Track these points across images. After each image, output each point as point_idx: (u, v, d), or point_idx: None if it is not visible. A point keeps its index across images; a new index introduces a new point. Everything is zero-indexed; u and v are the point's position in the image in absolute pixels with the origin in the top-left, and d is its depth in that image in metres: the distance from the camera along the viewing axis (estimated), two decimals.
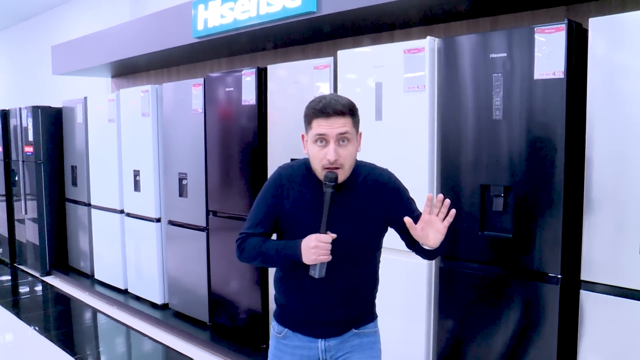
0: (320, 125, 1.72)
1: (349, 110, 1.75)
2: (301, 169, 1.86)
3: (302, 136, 1.85)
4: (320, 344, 1.89)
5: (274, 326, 1.99)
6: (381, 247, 1.95)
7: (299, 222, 1.81)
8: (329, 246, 1.71)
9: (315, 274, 1.73)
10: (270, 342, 2.02)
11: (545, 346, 2.41)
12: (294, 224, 1.82)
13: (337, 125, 1.72)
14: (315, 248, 1.70)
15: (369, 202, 1.82)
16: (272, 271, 3.51)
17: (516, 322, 2.50)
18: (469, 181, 2.63)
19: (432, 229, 1.70)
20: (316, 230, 1.73)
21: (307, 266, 1.75)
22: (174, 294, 4.60)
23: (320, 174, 1.77)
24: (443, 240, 1.75)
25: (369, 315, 1.97)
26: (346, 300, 1.87)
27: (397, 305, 2.91)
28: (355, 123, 1.79)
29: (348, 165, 1.77)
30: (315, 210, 1.77)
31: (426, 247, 1.76)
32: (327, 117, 1.71)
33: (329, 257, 1.72)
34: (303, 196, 1.82)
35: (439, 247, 1.78)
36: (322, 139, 1.73)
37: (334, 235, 1.73)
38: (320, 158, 1.74)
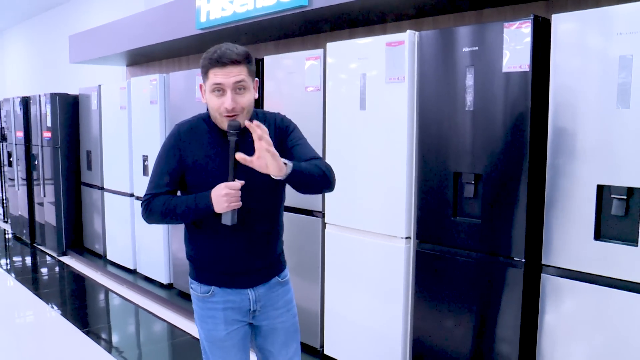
0: (217, 75, 1.75)
1: (245, 59, 1.79)
2: (199, 122, 1.90)
3: (200, 86, 1.88)
4: (250, 294, 1.94)
5: (195, 288, 1.97)
6: (285, 188, 1.99)
7: (206, 174, 1.84)
8: (239, 193, 1.76)
9: (228, 221, 1.79)
10: (194, 305, 2.00)
11: (509, 325, 2.54)
12: (200, 176, 1.85)
13: (232, 74, 1.75)
14: (227, 196, 1.73)
15: None
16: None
17: (485, 303, 2.63)
18: (444, 168, 2.76)
19: (267, 156, 1.65)
20: (223, 179, 1.78)
21: (219, 218, 1.80)
22: (178, 275, 4.82)
23: (220, 121, 1.82)
24: (299, 167, 1.74)
25: (283, 262, 2.07)
26: (263, 245, 1.95)
27: (376, 286, 3.06)
28: (251, 71, 1.83)
29: (247, 111, 1.82)
30: (219, 160, 1.83)
31: (276, 178, 1.72)
32: (223, 66, 1.75)
33: (239, 204, 1.77)
34: (205, 148, 1.85)
35: (300, 177, 1.75)
36: (220, 88, 1.76)
37: (242, 182, 1.77)
38: (217, 106, 1.78)
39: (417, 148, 2.89)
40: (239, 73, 1.77)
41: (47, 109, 6.36)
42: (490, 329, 2.62)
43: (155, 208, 1.86)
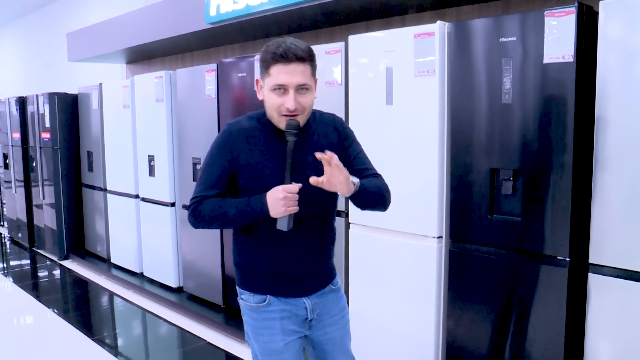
0: (280, 74, 1.66)
1: (309, 57, 1.70)
2: (252, 122, 1.79)
3: (257, 81, 1.79)
4: (306, 302, 1.85)
5: (247, 298, 1.86)
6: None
7: (260, 176, 1.74)
8: (297, 196, 1.66)
9: (284, 226, 1.69)
10: (246, 316, 1.88)
11: (553, 329, 2.43)
12: (254, 178, 1.74)
13: (296, 73, 1.66)
14: (284, 199, 1.64)
15: (324, 147, 1.74)
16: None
17: (525, 305, 2.52)
18: (479, 165, 2.64)
19: (336, 179, 1.61)
20: (278, 182, 1.69)
21: (272, 223, 1.70)
22: (188, 277, 4.68)
23: (277, 120, 1.72)
24: (364, 190, 1.72)
25: (334, 269, 1.97)
26: (317, 251, 1.86)
27: (405, 288, 2.95)
28: (314, 70, 1.74)
29: (307, 111, 1.74)
30: (275, 161, 1.73)
31: (344, 196, 1.70)
32: (288, 63, 1.65)
33: (296, 208, 1.67)
34: (260, 148, 1.75)
35: (364, 196, 1.74)
36: (281, 87, 1.67)
37: (300, 185, 1.67)
38: (278, 105, 1.69)
39: (448, 144, 2.77)
40: (302, 73, 1.67)
41: (45, 109, 6.19)
42: (531, 332, 2.51)
43: (204, 212, 1.75)
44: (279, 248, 1.79)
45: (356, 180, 1.69)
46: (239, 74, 3.89)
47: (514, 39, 2.47)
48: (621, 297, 2.24)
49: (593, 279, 2.31)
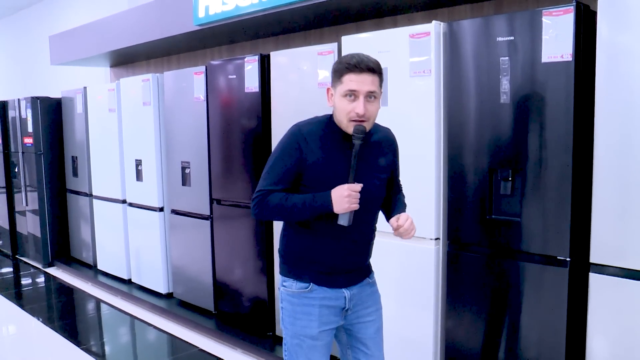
0: (352, 81, 1.82)
1: (379, 70, 1.87)
2: (320, 125, 1.95)
3: (328, 90, 1.95)
4: (346, 292, 2.00)
5: (290, 285, 2.01)
6: None
7: (325, 175, 1.89)
8: (359, 195, 1.82)
9: (345, 222, 1.84)
10: (286, 300, 2.03)
11: (554, 329, 2.42)
12: (319, 176, 1.89)
13: (367, 82, 1.82)
14: (349, 197, 1.80)
15: (382, 158, 2.00)
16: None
17: (526, 305, 2.51)
18: (477, 165, 2.62)
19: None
20: (343, 181, 1.85)
21: (330, 219, 1.86)
22: (178, 283, 4.61)
23: (345, 126, 1.87)
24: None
25: (371, 265, 2.15)
26: (364, 248, 2.05)
27: (403, 291, 2.92)
28: (381, 82, 1.90)
29: (373, 119, 1.90)
30: (339, 163, 1.89)
31: None
32: (360, 73, 1.81)
33: (358, 205, 1.83)
34: (327, 149, 1.90)
35: None
36: (352, 93, 1.83)
37: (362, 185, 1.84)
38: (348, 111, 1.84)
39: (445, 144, 2.75)
40: (372, 82, 1.84)
41: (27, 114, 6.06)
42: (532, 333, 2.49)
43: (270, 204, 1.90)
44: (331, 242, 1.95)
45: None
46: (229, 76, 3.84)
47: (512, 38, 2.46)
48: (622, 296, 2.23)
49: (594, 278, 2.30)
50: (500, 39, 2.49)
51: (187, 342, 3.99)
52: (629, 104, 2.16)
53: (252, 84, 3.66)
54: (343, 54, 3.05)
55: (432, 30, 2.71)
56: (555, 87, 2.35)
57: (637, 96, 2.14)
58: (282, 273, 2.06)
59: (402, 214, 1.92)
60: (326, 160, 1.90)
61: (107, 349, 4.02)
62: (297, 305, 1.99)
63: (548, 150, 2.39)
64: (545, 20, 2.35)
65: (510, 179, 2.52)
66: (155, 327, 4.32)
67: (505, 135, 2.52)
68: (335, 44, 3.19)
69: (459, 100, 2.67)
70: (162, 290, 4.79)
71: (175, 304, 4.58)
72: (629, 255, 2.20)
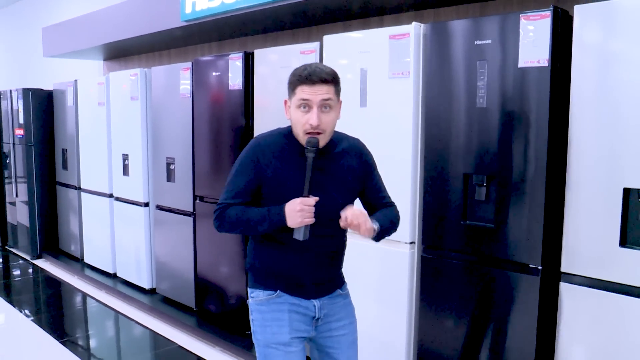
0: (304, 91, 1.78)
1: (333, 79, 1.81)
2: (280, 137, 1.91)
3: (285, 102, 1.90)
4: (315, 302, 1.95)
5: (256, 295, 1.96)
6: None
7: (283, 188, 1.85)
8: (313, 209, 1.77)
9: (300, 236, 1.80)
10: (255, 311, 1.97)
11: (524, 337, 2.39)
12: (277, 189, 1.86)
13: (321, 91, 1.77)
14: (301, 211, 1.76)
15: (346, 170, 1.92)
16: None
17: (497, 312, 2.48)
18: (452, 170, 2.59)
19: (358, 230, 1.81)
20: (299, 195, 1.79)
21: (291, 231, 1.81)
22: (161, 279, 4.59)
23: (302, 139, 1.83)
24: (382, 228, 1.88)
25: (343, 276, 2.08)
26: (331, 261, 1.98)
27: (378, 293, 2.90)
28: (337, 91, 1.85)
29: (329, 131, 1.84)
30: (297, 176, 1.83)
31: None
32: (312, 85, 1.77)
33: (312, 219, 1.78)
34: (284, 163, 1.86)
35: (379, 236, 1.91)
36: (306, 104, 1.78)
37: (317, 198, 1.78)
38: (302, 123, 1.80)
39: (422, 148, 2.72)
40: (326, 92, 1.79)
41: (19, 105, 6.05)
42: (503, 340, 2.46)
43: (228, 218, 1.87)
44: (293, 256, 1.90)
45: (376, 226, 1.84)
46: (215, 73, 3.81)
47: (489, 41, 2.43)
48: (592, 306, 2.20)
49: (565, 287, 2.27)
50: (478, 42, 2.46)
51: (167, 339, 3.98)
52: (604, 111, 2.13)
53: (235, 81, 3.63)
54: (325, 52, 3.04)
55: (411, 32, 2.68)
56: (531, 93, 2.32)
57: (612, 103, 2.11)
58: (249, 286, 2.02)
59: (348, 207, 1.81)
60: (284, 173, 1.86)
61: (86, 343, 4.01)
62: (266, 313, 1.94)
63: (522, 156, 2.36)
64: (523, 24, 2.32)
65: (484, 184, 2.49)
66: (137, 323, 4.31)
67: (480, 140, 2.49)
68: (317, 43, 3.16)
69: (437, 103, 2.63)
70: (146, 285, 4.77)
71: (158, 300, 4.56)
72: (599, 266, 2.17)
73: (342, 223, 1.78)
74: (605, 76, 2.12)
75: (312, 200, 1.78)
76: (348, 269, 2.98)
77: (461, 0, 3.14)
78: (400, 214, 2.72)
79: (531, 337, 2.37)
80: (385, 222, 1.92)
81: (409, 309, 2.80)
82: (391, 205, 2.06)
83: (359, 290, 2.97)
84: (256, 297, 1.97)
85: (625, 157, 2.08)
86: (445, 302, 2.66)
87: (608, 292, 2.15)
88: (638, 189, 2.06)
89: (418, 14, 3.44)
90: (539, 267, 2.35)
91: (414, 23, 2.68)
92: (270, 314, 1.94)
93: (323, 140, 1.83)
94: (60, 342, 3.87)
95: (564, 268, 2.27)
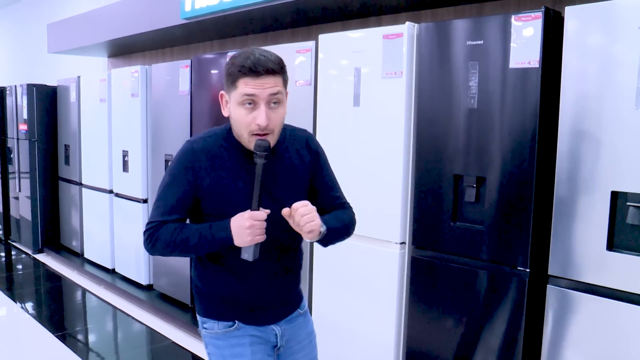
0: (248, 85, 1.49)
1: (281, 69, 1.54)
2: (217, 139, 1.61)
3: (221, 96, 1.60)
4: (276, 329, 1.71)
5: (211, 326, 1.68)
6: None
7: (225, 200, 1.57)
8: (264, 224, 1.50)
9: (250, 256, 1.52)
10: (211, 345, 1.70)
11: (511, 339, 2.38)
12: (218, 203, 1.57)
13: (268, 84, 1.49)
14: (250, 227, 1.48)
15: (296, 168, 1.66)
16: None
17: (486, 314, 2.47)
18: (443, 171, 2.59)
19: (300, 228, 1.52)
20: (245, 207, 1.52)
21: (238, 250, 1.53)
22: (158, 275, 4.61)
23: (246, 141, 1.55)
24: (330, 230, 1.59)
25: (301, 293, 1.84)
26: (286, 279, 1.73)
27: (368, 293, 2.89)
28: (285, 81, 1.57)
29: (278, 130, 1.57)
30: (243, 183, 1.57)
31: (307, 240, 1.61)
32: (257, 77, 1.48)
33: (264, 237, 1.51)
34: (225, 170, 1.58)
35: (327, 240, 1.62)
36: (251, 100, 1.50)
37: (268, 211, 1.52)
38: (247, 122, 1.51)
39: (414, 148, 2.72)
40: (275, 83, 1.51)
41: (23, 101, 6.09)
42: (490, 340, 2.45)
43: (162, 237, 1.56)
44: (245, 276, 1.63)
45: (323, 228, 1.55)
46: (211, 71, 3.82)
47: (481, 42, 2.42)
48: (578, 310, 2.18)
49: (551, 290, 2.26)
50: (470, 42, 2.45)
51: (162, 335, 3.99)
52: (594, 113, 2.11)
53: None
54: (320, 52, 3.04)
55: (405, 32, 2.67)
56: (522, 94, 2.31)
57: (601, 105, 2.09)
58: (199, 313, 1.72)
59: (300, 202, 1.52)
60: (226, 183, 1.57)
61: (82, 338, 4.03)
62: (224, 349, 1.66)
63: (512, 158, 2.35)
64: (514, 25, 2.31)
65: (474, 185, 2.48)
66: (133, 318, 4.33)
67: (470, 141, 2.48)
68: (313, 42, 3.16)
69: (429, 103, 2.63)
70: (143, 281, 4.79)
71: (154, 296, 4.58)
72: (586, 269, 2.15)
73: (284, 212, 1.50)
74: (595, 78, 2.11)
75: (264, 214, 1.50)
76: (338, 269, 3.00)
77: (459, 0, 3.13)
78: (391, 213, 2.76)
79: (518, 338, 2.36)
80: (336, 224, 1.65)
81: (399, 309, 2.79)
82: (346, 206, 1.78)
83: (347, 290, 2.98)
84: (210, 330, 1.68)
85: (613, 161, 2.06)
86: (435, 302, 2.65)
87: (595, 296, 2.14)
88: (626, 193, 2.04)
89: (416, 14, 3.43)
90: (527, 270, 2.33)
91: (407, 23, 2.67)
92: (229, 350, 1.66)
93: (272, 141, 1.55)
94: (58, 337, 3.89)
95: (551, 271, 2.26)
